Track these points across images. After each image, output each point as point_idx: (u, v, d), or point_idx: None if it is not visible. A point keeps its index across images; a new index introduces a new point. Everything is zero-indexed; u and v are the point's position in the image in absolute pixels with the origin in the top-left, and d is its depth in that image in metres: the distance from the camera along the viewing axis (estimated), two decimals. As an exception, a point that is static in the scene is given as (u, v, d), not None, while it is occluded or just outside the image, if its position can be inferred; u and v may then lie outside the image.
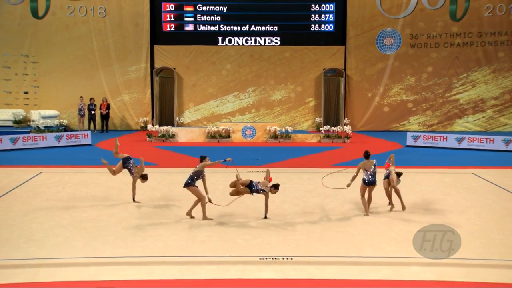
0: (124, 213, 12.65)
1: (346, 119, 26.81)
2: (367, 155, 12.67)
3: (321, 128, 24.93)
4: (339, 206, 13.34)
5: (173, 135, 23.92)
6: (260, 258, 9.81)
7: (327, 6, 27.42)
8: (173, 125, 25.89)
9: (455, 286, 8.84)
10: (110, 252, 10.09)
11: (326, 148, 22.25)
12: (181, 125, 27.00)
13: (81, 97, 26.15)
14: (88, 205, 13.31)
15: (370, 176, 12.49)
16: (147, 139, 23.87)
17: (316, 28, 27.59)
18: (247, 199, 13.83)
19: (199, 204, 12.12)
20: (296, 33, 27.64)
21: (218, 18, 27.57)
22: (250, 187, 12.09)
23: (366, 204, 12.65)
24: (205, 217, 12.16)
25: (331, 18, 27.48)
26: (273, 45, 27.65)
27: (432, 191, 14.90)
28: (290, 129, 24.24)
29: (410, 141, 22.78)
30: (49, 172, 17.13)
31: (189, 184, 12.10)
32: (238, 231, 11.30)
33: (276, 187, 12.03)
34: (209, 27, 27.64)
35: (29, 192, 14.63)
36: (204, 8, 27.48)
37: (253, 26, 27.59)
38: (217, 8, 27.44)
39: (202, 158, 12.29)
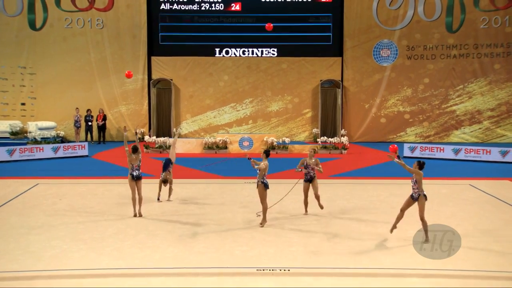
0: (121, 224, 12.61)
1: (343, 130, 26.83)
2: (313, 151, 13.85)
3: (318, 139, 24.97)
4: (336, 217, 13.33)
5: (170, 147, 23.87)
6: (257, 270, 9.78)
7: (324, 18, 27.54)
8: (170, 136, 25.89)
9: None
10: (107, 264, 10.05)
11: (323, 159, 22.11)
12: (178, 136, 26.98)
13: (77, 108, 26.15)
14: (85, 217, 13.27)
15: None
16: (144, 150, 23.85)
17: (313, 39, 27.69)
18: (244, 208, 13.84)
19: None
20: (293, 44, 27.74)
21: (215, 30, 27.66)
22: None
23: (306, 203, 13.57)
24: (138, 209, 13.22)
25: (328, 29, 27.60)
26: (270, 56, 27.74)
27: (429, 202, 14.78)
28: (287, 140, 24.28)
29: (407, 152, 22.79)
30: (46, 184, 17.09)
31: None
32: (236, 242, 11.27)
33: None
34: (206, 38, 27.72)
35: (26, 203, 14.59)
36: (201, 20, 27.58)
37: (250, 37, 27.68)
38: (214, 20, 27.54)
39: (134, 150, 13.00)
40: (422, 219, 11.07)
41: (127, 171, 13.20)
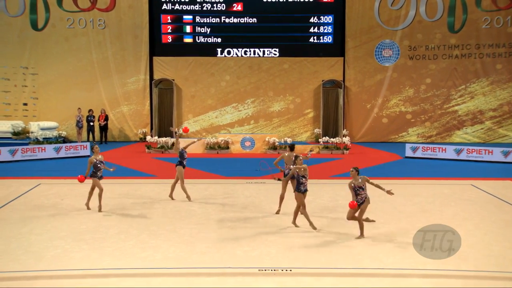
0: (123, 224, 12.63)
1: (345, 130, 26.83)
2: (292, 147, 13.87)
3: (320, 139, 24.96)
4: (337, 217, 13.33)
5: (172, 147, 23.90)
6: (259, 270, 9.79)
7: (325, 18, 27.53)
8: (172, 137, 25.87)
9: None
10: (108, 264, 10.06)
11: (325, 160, 22.25)
12: (180, 136, 26.95)
13: (79, 108, 26.15)
14: (86, 217, 13.29)
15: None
16: (146, 150, 23.87)
17: (315, 39, 27.68)
18: (246, 209, 13.85)
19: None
20: (295, 44, 27.73)
21: (217, 30, 27.66)
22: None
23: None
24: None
25: (329, 29, 27.59)
26: (272, 56, 27.74)
27: (431, 203, 14.90)
28: (289, 140, 24.25)
29: (409, 153, 22.78)
30: (48, 184, 17.11)
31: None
32: (237, 243, 11.28)
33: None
34: (207, 38, 27.74)
35: (28, 203, 14.61)
36: (203, 20, 27.59)
37: (251, 37, 27.67)
38: (215, 20, 27.55)
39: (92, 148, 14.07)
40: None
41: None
